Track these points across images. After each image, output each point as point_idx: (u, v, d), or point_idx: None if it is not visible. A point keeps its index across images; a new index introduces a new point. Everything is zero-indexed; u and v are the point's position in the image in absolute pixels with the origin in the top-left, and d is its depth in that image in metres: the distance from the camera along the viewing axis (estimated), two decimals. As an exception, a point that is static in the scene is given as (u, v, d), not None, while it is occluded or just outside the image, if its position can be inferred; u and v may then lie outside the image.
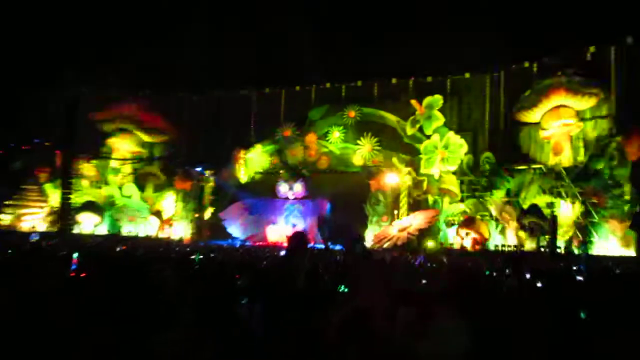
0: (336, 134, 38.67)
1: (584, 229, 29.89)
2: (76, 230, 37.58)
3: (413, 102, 36.36)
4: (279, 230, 36.16)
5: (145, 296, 5.75)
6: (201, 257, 18.10)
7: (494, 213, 32.69)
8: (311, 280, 6.35)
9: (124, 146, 42.69)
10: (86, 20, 41.14)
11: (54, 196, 39.83)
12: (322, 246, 15.05)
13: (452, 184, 34.27)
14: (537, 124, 33.21)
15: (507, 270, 16.09)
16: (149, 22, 40.68)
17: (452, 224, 33.39)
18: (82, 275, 10.89)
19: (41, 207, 39.86)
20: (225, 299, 7.51)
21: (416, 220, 32.25)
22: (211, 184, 39.94)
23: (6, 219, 39.20)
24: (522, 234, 30.63)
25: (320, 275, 7.35)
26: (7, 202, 39.58)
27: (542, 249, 28.85)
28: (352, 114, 38.52)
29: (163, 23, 41.47)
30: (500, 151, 34.65)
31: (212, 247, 30.93)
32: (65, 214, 37.50)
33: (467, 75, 37.31)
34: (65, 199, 37.85)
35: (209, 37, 40.85)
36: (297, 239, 6.40)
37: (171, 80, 42.34)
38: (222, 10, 41.99)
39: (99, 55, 40.48)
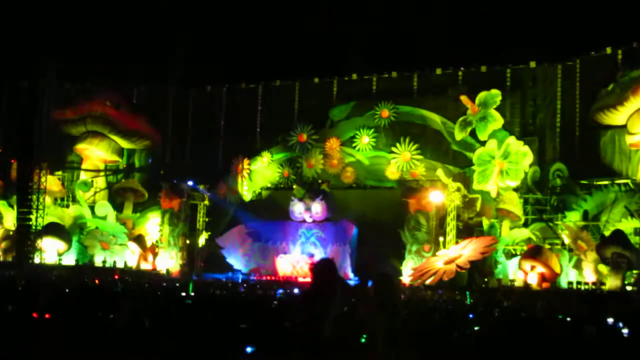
0: (365, 139, 38.95)
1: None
2: (37, 259, 37.93)
3: (463, 98, 36.66)
4: (291, 262, 36.39)
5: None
6: (192, 294, 18.51)
7: (567, 241, 32.70)
8: (342, 327, 6.41)
9: (96, 154, 43.16)
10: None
11: (9, 216, 40.29)
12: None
13: (514, 203, 34.40)
14: (623, 127, 33.31)
15: (583, 315, 16.32)
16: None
17: (514, 255, 33.36)
18: (46, 316, 11.34)
19: (-8, 230, 40.39)
20: (225, 349, 7.77)
21: (467, 250, 32.39)
22: (205, 202, 40.27)
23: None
24: (603, 268, 30.66)
25: (355, 322, 7.40)
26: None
27: (629, 288, 28.82)
28: (386, 113, 38.85)
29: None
30: (575, 162, 34.72)
31: (208, 281, 31.39)
32: (23, 239, 37.88)
33: (533, 64, 37.49)
34: (22, 220, 38.29)
35: (203, 17, 41.53)
36: (324, 271, 6.48)
37: (153, 71, 42.94)
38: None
39: (67, 40, 41.11)
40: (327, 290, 6.36)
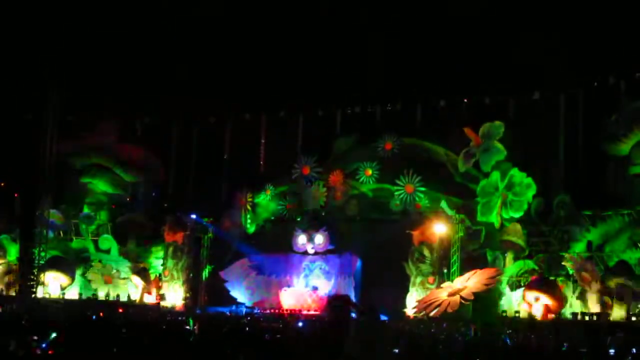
0: (369, 172, 39.21)
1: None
2: (40, 293, 38.31)
3: (467, 130, 37.08)
4: (295, 294, 36.70)
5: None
6: (195, 327, 18.87)
7: (571, 272, 32.85)
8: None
9: (100, 187, 43.63)
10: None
11: (12, 250, 40.72)
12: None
13: (518, 235, 34.72)
14: (627, 157, 33.69)
15: (585, 348, 16.71)
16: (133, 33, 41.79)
17: (518, 286, 33.68)
18: (49, 352, 11.73)
19: (-5, 264, 40.79)
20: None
21: (472, 282, 32.71)
22: (209, 235, 40.64)
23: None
24: (607, 299, 30.93)
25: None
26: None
27: (634, 319, 29.07)
28: (389, 145, 39.23)
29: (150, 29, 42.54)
30: (579, 192, 34.98)
31: (211, 315, 31.77)
32: (26, 273, 38.26)
33: (536, 94, 37.76)
34: (25, 254, 38.70)
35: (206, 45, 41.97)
36: (340, 306, 6.84)
37: (155, 104, 43.28)
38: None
39: (70, 72, 41.47)
40: (340, 326, 6.73)
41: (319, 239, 38.53)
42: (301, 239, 38.85)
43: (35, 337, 12.60)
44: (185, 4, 40.85)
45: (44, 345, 12.03)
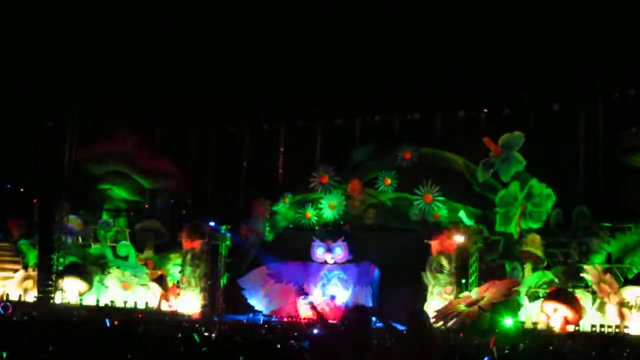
0: (388, 181, 39.52)
1: None
2: (58, 299, 38.83)
3: (486, 140, 37.41)
4: (313, 303, 36.96)
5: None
6: (213, 334, 19.22)
7: (590, 284, 33.04)
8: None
9: (118, 194, 44.16)
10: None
11: (31, 256, 41.31)
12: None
13: (536, 245, 34.95)
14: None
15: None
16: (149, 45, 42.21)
17: (537, 298, 33.93)
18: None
19: (14, 270, 41.28)
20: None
21: (490, 292, 32.95)
22: (227, 243, 41.08)
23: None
24: (626, 311, 31.15)
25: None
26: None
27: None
28: (408, 155, 39.54)
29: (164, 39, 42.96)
30: (599, 204, 35.18)
31: (229, 323, 32.13)
32: (45, 279, 38.81)
33: (555, 105, 38.00)
34: (44, 260, 39.24)
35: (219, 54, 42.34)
36: (357, 318, 7.26)
37: (173, 112, 43.69)
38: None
39: (89, 79, 42.00)
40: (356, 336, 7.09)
41: (338, 250, 38.89)
42: (320, 251, 39.23)
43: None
44: (202, 10, 41.13)
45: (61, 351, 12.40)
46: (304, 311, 36.85)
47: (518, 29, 37.95)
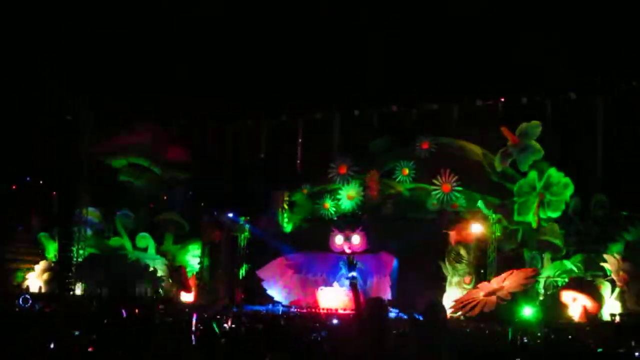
0: (406, 171, 39.70)
1: None
2: (78, 290, 39.27)
3: (504, 129, 37.46)
4: (333, 294, 37.23)
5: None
6: (233, 326, 19.44)
7: (609, 273, 33.07)
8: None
9: (137, 186, 44.49)
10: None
11: (51, 248, 41.77)
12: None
13: (555, 235, 35.05)
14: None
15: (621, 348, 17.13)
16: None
17: (555, 287, 33.98)
18: (89, 349, 12.36)
19: (34, 262, 41.72)
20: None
21: (509, 282, 33.06)
22: (246, 234, 41.31)
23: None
24: (645, 299, 31.25)
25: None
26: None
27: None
28: (426, 145, 39.71)
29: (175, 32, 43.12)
30: (618, 193, 35.16)
31: (248, 313, 32.32)
32: (65, 271, 39.24)
33: (573, 94, 38.03)
34: (64, 252, 39.65)
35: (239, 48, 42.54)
36: (373, 309, 7.47)
37: (190, 105, 43.91)
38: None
39: (106, 73, 42.31)
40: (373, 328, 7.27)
41: (356, 239, 39.14)
42: (338, 239, 39.48)
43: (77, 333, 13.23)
44: (216, 9, 41.30)
45: (81, 342, 12.62)
46: (326, 301, 37.20)
47: (533, 21, 38.10)
